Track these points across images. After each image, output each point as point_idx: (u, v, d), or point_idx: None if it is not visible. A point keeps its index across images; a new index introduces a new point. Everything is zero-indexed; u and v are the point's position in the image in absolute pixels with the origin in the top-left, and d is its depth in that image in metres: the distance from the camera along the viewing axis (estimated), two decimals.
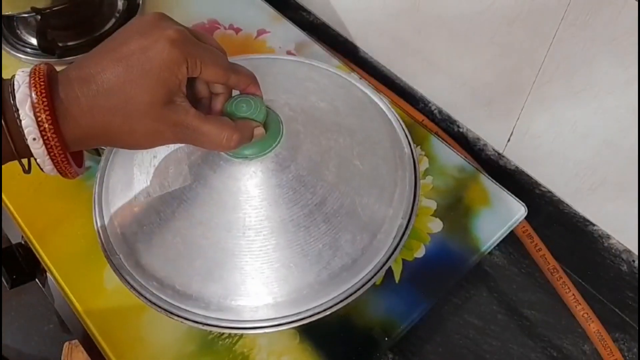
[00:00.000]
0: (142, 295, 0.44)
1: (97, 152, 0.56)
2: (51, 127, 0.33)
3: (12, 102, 0.33)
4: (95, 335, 0.48)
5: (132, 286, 0.44)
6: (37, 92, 0.33)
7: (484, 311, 0.54)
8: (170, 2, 0.73)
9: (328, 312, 0.43)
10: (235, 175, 0.43)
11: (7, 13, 0.61)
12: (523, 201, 0.54)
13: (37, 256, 0.53)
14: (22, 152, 0.34)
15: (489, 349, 0.52)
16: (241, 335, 0.48)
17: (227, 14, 0.71)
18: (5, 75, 0.35)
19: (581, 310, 0.52)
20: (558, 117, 0.53)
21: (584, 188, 0.56)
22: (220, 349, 0.47)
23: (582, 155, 0.54)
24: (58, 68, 0.36)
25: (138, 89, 0.34)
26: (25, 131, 0.33)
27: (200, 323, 0.43)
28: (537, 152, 0.58)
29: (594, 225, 0.58)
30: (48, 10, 0.62)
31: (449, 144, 0.59)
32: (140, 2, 0.71)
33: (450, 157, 0.58)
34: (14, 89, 0.33)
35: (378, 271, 0.44)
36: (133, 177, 0.47)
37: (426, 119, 0.65)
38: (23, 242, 0.61)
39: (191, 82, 0.39)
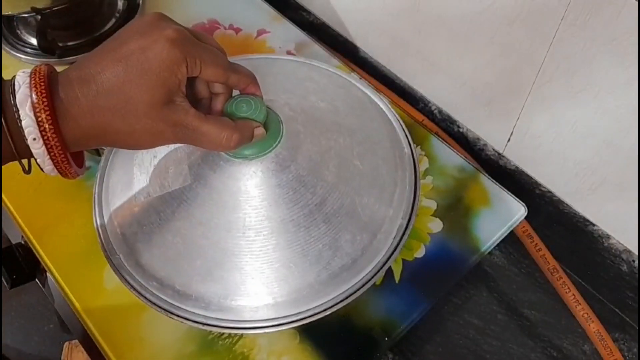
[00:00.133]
0: (142, 295, 0.44)
1: (97, 152, 0.56)
2: (51, 127, 0.33)
3: (12, 102, 0.33)
4: (95, 335, 0.48)
5: (132, 286, 0.44)
6: (37, 93, 0.33)
7: (484, 311, 0.54)
8: (170, 2, 0.73)
9: (328, 312, 0.43)
10: (235, 175, 0.43)
11: (7, 13, 0.61)
12: (523, 201, 0.54)
13: (37, 256, 0.53)
14: (23, 152, 0.34)
15: (489, 349, 0.52)
16: (241, 335, 0.48)
17: (227, 14, 0.71)
18: (5, 76, 0.35)
19: (581, 310, 0.52)
20: (558, 117, 0.53)
21: (584, 188, 0.56)
22: (220, 349, 0.47)
23: (582, 155, 0.54)
24: (58, 68, 0.36)
25: (137, 89, 0.34)
26: (26, 131, 0.33)
27: (200, 323, 0.43)
28: (537, 152, 0.58)
29: (594, 225, 0.58)
30: (48, 10, 0.62)
31: (449, 144, 0.59)
32: (140, 2, 0.71)
33: (450, 157, 0.58)
34: (14, 90, 0.33)
35: (378, 271, 0.44)
36: (133, 177, 0.47)
37: (426, 119, 0.65)
38: (23, 242, 0.61)
39: (191, 82, 0.39)
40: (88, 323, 0.49)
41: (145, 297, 0.44)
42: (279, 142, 0.43)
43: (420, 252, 0.52)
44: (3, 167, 0.35)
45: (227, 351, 0.47)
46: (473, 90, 0.60)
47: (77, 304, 0.50)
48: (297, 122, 0.45)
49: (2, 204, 0.56)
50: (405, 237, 0.45)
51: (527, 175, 0.61)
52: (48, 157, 0.35)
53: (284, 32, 0.69)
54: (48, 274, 0.53)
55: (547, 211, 0.60)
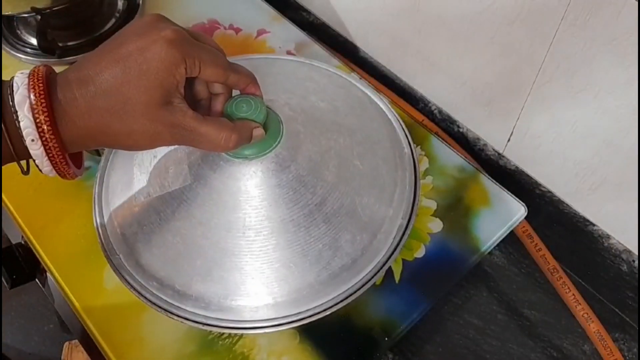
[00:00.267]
0: (142, 295, 0.44)
1: (97, 152, 0.56)
2: (49, 128, 0.33)
3: (11, 103, 0.33)
4: (95, 335, 0.48)
5: (132, 286, 0.44)
6: (35, 94, 0.33)
7: (484, 311, 0.54)
8: (170, 2, 0.73)
9: (328, 312, 0.43)
10: (235, 175, 0.43)
11: (7, 13, 0.61)
12: (523, 201, 0.54)
13: (37, 256, 0.53)
14: (21, 153, 0.34)
15: (489, 349, 0.52)
16: (241, 335, 0.48)
17: (227, 14, 0.71)
18: (5, 76, 0.35)
19: (581, 310, 0.52)
20: (558, 117, 0.53)
21: (584, 188, 0.56)
22: (220, 349, 0.47)
23: (582, 155, 0.54)
24: (58, 68, 0.36)
25: (135, 90, 0.34)
26: (24, 132, 0.33)
27: (200, 323, 0.43)
28: (537, 152, 0.58)
29: (594, 225, 0.58)
30: (48, 10, 0.62)
31: (449, 144, 0.59)
32: (140, 2, 0.71)
33: (450, 157, 0.58)
34: (12, 91, 0.33)
35: (378, 271, 0.44)
36: (133, 177, 0.47)
37: (426, 119, 0.65)
38: (23, 242, 0.61)
39: (190, 82, 0.39)
40: (88, 323, 0.49)
41: (145, 297, 0.44)
42: (279, 142, 0.43)
43: (420, 252, 0.52)
44: (3, 167, 0.35)
45: (227, 351, 0.47)
46: (473, 90, 0.60)
47: (77, 304, 0.49)
48: (297, 122, 0.45)
49: (2, 204, 0.56)
50: (405, 237, 0.45)
51: (527, 175, 0.61)
52: (46, 158, 0.35)
53: (284, 32, 0.69)
54: (48, 274, 0.53)
55: (547, 211, 0.60)
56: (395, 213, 0.46)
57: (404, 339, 0.49)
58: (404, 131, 0.51)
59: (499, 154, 0.63)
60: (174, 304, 0.43)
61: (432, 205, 0.54)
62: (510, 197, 0.55)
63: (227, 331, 0.46)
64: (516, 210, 0.54)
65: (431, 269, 0.51)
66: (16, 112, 0.33)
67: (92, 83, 0.35)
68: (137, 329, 0.48)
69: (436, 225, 0.53)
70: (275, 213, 0.42)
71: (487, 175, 0.57)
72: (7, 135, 0.33)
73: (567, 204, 0.59)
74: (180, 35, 0.36)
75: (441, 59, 0.62)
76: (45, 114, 0.33)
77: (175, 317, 0.43)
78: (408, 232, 0.45)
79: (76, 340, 0.99)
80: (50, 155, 0.34)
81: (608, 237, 0.57)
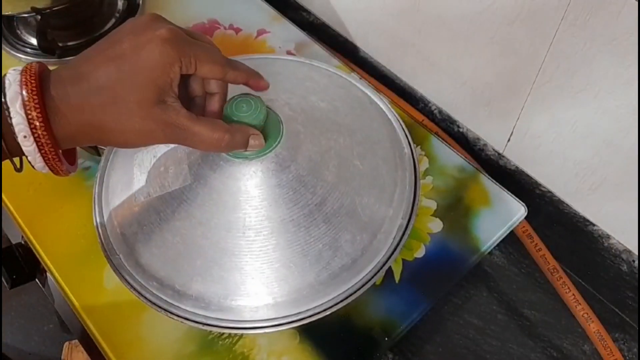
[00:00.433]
0: (142, 295, 0.44)
1: (97, 152, 0.56)
2: (42, 124, 0.33)
3: (3, 100, 0.33)
4: (95, 335, 0.48)
5: (132, 286, 0.44)
6: (28, 91, 0.33)
7: (484, 311, 0.54)
8: (170, 2, 0.73)
9: (328, 312, 0.43)
10: (235, 175, 0.43)
11: (7, 13, 0.61)
12: (523, 201, 0.54)
13: (37, 256, 0.53)
14: (14, 150, 0.34)
15: (489, 349, 0.52)
16: (241, 335, 0.48)
17: (227, 14, 0.71)
18: None
19: (581, 310, 0.52)
20: (558, 117, 0.53)
21: (584, 188, 0.56)
22: (220, 349, 0.47)
23: (582, 155, 0.54)
24: None
25: (129, 88, 0.34)
26: (16, 129, 0.33)
27: (200, 323, 0.43)
28: (537, 152, 0.58)
29: (594, 225, 0.58)
30: (48, 10, 0.62)
31: (449, 144, 0.59)
32: (140, 2, 0.71)
33: (450, 157, 0.58)
34: (4, 87, 0.33)
35: (378, 271, 0.44)
36: (133, 177, 0.47)
37: (426, 119, 0.65)
38: (23, 242, 0.61)
39: (185, 80, 0.39)
40: (88, 323, 0.49)
41: (145, 297, 0.44)
42: (279, 142, 0.43)
43: (420, 252, 0.52)
44: (3, 167, 0.35)
45: (227, 351, 0.47)
46: (473, 90, 0.60)
47: (77, 304, 0.50)
48: (297, 122, 0.45)
49: (2, 204, 0.56)
50: (405, 237, 0.45)
51: (527, 175, 0.61)
52: (39, 154, 0.34)
53: (284, 32, 0.69)
54: (48, 274, 0.53)
55: (547, 211, 0.60)
56: (395, 213, 0.46)
57: (404, 339, 0.49)
58: (404, 131, 0.51)
59: (499, 154, 0.63)
60: (173, 304, 0.43)
61: (432, 205, 0.54)
62: (510, 197, 0.55)
63: (227, 331, 0.46)
64: (516, 210, 0.54)
65: (431, 269, 0.51)
66: (8, 108, 0.33)
67: (85, 80, 0.34)
68: (137, 329, 0.48)
69: (436, 225, 0.53)
70: (275, 213, 0.42)
71: (487, 175, 0.57)
72: None
73: (567, 204, 0.59)
74: (176, 34, 0.36)
75: (441, 59, 0.62)
76: (38, 110, 0.33)
77: (175, 317, 0.43)
78: (408, 232, 0.45)
79: (76, 340, 0.99)
80: (43, 151, 0.34)
81: (608, 237, 0.57)
